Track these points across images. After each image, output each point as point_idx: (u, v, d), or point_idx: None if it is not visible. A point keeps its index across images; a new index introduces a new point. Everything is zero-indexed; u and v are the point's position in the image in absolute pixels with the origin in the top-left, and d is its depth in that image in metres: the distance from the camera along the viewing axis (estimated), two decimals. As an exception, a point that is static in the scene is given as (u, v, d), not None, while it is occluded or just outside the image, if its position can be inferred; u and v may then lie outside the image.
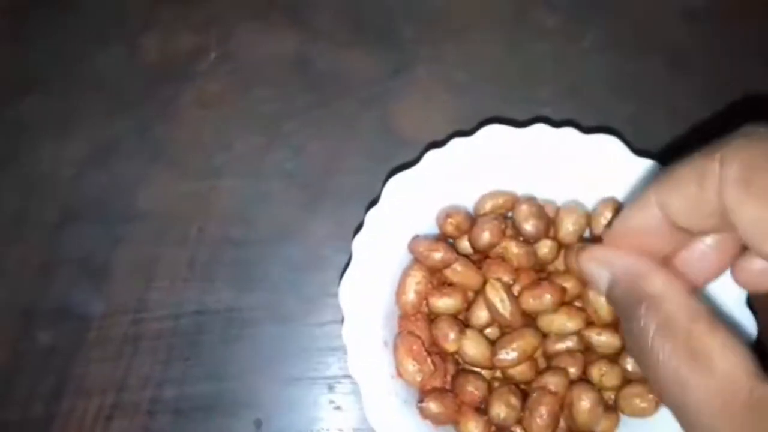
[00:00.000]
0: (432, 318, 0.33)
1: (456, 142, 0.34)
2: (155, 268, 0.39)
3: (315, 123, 0.41)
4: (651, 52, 0.42)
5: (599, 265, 0.25)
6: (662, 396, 0.22)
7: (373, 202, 0.38)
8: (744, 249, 0.24)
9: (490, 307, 0.32)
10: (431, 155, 0.34)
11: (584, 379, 0.33)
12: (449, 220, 0.33)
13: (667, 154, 0.36)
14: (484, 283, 0.33)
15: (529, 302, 0.32)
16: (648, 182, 0.27)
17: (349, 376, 0.36)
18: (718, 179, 0.21)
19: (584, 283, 0.33)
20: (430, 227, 0.34)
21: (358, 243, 0.33)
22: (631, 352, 0.24)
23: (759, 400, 0.19)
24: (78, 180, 0.40)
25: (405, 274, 0.33)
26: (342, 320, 0.37)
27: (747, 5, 0.42)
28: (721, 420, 0.20)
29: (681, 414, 0.21)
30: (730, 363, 0.20)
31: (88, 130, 0.41)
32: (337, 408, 0.37)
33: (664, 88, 0.41)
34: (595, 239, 0.33)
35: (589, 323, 0.33)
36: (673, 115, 0.40)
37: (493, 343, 0.32)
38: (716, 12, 0.42)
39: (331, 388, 0.37)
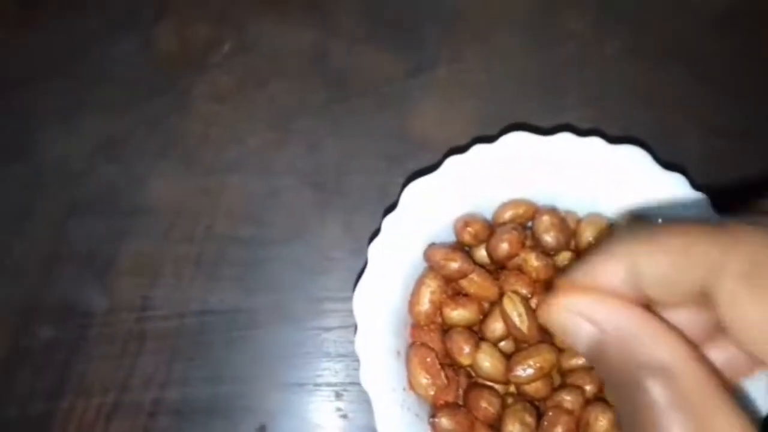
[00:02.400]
0: (445, 329, 0.33)
1: (478, 149, 0.33)
2: (161, 266, 0.38)
3: (330, 120, 0.40)
4: (675, 59, 0.40)
5: (581, 318, 0.20)
6: None
7: (387, 204, 0.38)
8: (716, 333, 0.21)
9: (507, 321, 0.31)
10: (452, 161, 0.33)
11: (600, 397, 0.32)
12: (468, 228, 0.32)
13: (693, 166, 0.35)
14: (501, 294, 0.32)
15: (547, 317, 0.31)
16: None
17: (356, 384, 0.36)
18: (712, 264, 0.18)
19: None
20: (447, 235, 0.33)
21: (375, 249, 0.32)
22: (628, 423, 0.19)
23: None
24: (86, 173, 0.39)
25: (419, 282, 0.32)
26: (351, 326, 0.36)
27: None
28: None
29: None
30: None
31: (98, 122, 0.40)
32: (344, 416, 0.36)
33: (689, 96, 0.40)
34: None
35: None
36: (698, 123, 0.39)
37: (508, 358, 0.31)
38: (741, 19, 0.41)
39: (338, 395, 0.36)
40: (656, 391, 0.18)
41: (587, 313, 0.20)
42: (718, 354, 0.20)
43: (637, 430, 0.19)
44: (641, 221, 0.31)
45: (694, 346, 0.19)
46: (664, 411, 0.18)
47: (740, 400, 0.19)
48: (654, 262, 0.19)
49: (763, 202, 0.20)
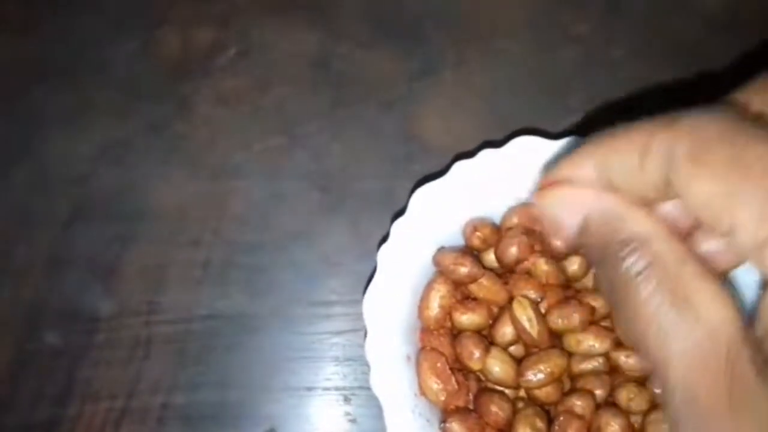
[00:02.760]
0: (455, 333, 0.32)
1: (486, 153, 0.33)
2: (167, 270, 0.38)
3: (336, 125, 0.40)
4: (680, 61, 0.40)
5: (567, 206, 0.22)
6: (639, 347, 0.20)
7: (393, 208, 0.38)
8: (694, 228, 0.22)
9: (517, 326, 0.31)
10: (460, 165, 0.33)
11: (611, 402, 0.32)
12: (476, 233, 0.32)
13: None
14: (510, 299, 0.32)
15: (557, 322, 0.31)
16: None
17: (364, 388, 0.36)
18: (664, 152, 0.19)
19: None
20: (456, 239, 0.33)
21: (384, 254, 0.32)
22: (608, 297, 0.21)
23: (740, 357, 0.18)
24: (90, 177, 0.39)
25: (429, 287, 0.32)
26: (359, 330, 0.36)
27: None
28: (699, 373, 0.18)
29: (657, 366, 0.19)
30: (718, 315, 0.18)
31: (102, 125, 0.40)
32: (353, 420, 0.36)
33: (692, 99, 0.40)
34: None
35: (618, 344, 0.32)
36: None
37: (518, 362, 0.31)
38: (745, 21, 0.41)
39: (346, 399, 0.36)
40: (632, 260, 0.20)
41: (572, 199, 0.22)
42: (707, 246, 0.21)
43: (619, 303, 0.20)
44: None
45: (668, 226, 0.20)
46: (640, 278, 0.19)
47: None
48: (620, 158, 0.20)
49: (731, 96, 0.21)
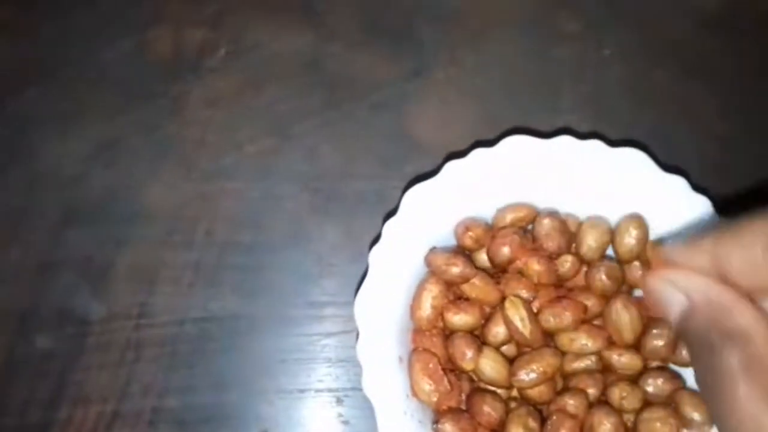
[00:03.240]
0: (447, 334, 0.32)
1: (477, 153, 0.33)
2: (159, 272, 0.37)
3: (328, 125, 0.40)
4: (672, 61, 0.40)
5: (676, 289, 0.23)
6: None
7: (385, 209, 0.38)
8: None
9: (509, 325, 0.31)
10: (452, 165, 0.33)
11: (603, 400, 0.32)
12: (468, 233, 0.32)
13: (691, 167, 0.36)
14: (502, 299, 0.32)
15: (549, 320, 0.31)
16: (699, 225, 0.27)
17: (357, 389, 0.36)
18: None
19: (605, 300, 0.32)
20: (448, 239, 0.33)
21: (375, 255, 0.32)
22: (703, 388, 0.22)
23: None
24: (81, 179, 0.39)
25: (421, 287, 0.32)
26: (351, 330, 0.36)
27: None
28: None
29: None
30: None
31: (93, 126, 0.39)
32: (345, 422, 0.36)
33: (685, 98, 0.40)
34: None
35: (610, 343, 0.32)
36: (695, 124, 0.39)
37: (510, 362, 0.31)
38: (738, 22, 0.41)
39: (339, 400, 0.36)
40: (733, 355, 0.20)
41: (682, 284, 0.23)
42: None
43: (715, 396, 0.21)
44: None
45: None
46: (738, 374, 0.20)
47: None
48: (742, 251, 0.22)
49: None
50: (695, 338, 0.22)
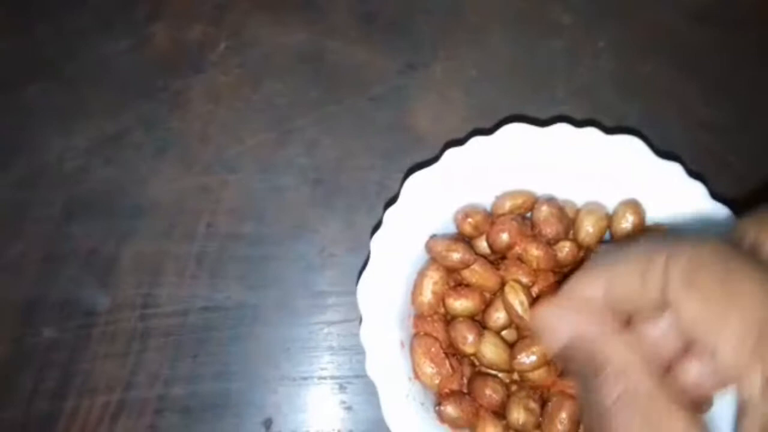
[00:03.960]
0: (448, 319, 0.33)
1: (476, 141, 0.33)
2: (163, 264, 0.38)
3: (328, 118, 0.40)
4: (663, 53, 0.41)
5: (559, 324, 0.24)
6: None
7: (385, 200, 0.38)
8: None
9: (509, 310, 0.31)
10: (450, 153, 0.33)
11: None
12: (468, 219, 0.33)
13: (686, 157, 0.36)
14: (502, 284, 0.32)
15: (549, 305, 0.32)
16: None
17: (359, 376, 0.36)
18: (661, 274, 0.21)
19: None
20: (448, 226, 0.34)
21: (377, 242, 0.32)
22: (585, 417, 0.24)
23: None
24: (84, 172, 0.39)
25: (422, 274, 0.33)
26: (353, 319, 0.36)
27: (758, 8, 0.42)
28: None
29: None
30: None
31: (95, 121, 0.40)
32: (348, 408, 0.36)
33: (676, 89, 0.41)
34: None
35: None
36: (685, 115, 0.40)
37: (511, 346, 0.32)
38: (728, 15, 0.42)
39: (342, 387, 0.36)
40: (605, 392, 0.22)
41: (564, 319, 0.24)
42: (693, 367, 0.23)
43: (594, 422, 0.22)
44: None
45: (644, 355, 0.22)
46: (615, 406, 0.21)
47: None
48: (623, 280, 0.23)
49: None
50: (575, 371, 0.24)
